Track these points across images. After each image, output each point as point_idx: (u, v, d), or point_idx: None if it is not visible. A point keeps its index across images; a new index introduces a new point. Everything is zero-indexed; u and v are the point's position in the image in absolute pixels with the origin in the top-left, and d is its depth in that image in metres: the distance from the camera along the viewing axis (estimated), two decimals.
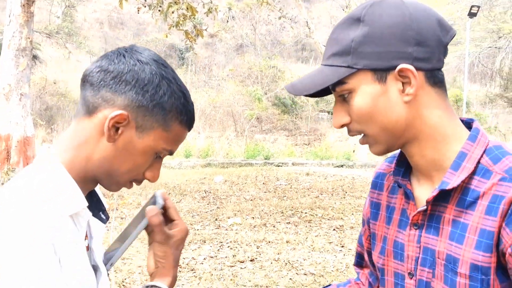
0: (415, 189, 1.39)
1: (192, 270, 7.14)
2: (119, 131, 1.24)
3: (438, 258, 1.30)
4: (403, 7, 1.25)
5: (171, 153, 1.32)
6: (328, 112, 27.50)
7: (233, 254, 7.94)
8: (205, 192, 12.99)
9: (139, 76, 1.23)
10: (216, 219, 10.36)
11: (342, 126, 1.34)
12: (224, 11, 30.60)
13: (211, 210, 11.15)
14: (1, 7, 26.98)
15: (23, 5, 11.56)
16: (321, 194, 12.90)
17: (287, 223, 10.17)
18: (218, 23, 31.84)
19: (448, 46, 1.34)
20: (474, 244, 1.23)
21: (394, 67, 1.24)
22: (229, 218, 10.44)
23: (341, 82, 1.27)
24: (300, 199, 12.28)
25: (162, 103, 1.24)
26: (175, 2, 12.18)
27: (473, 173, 1.26)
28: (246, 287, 6.48)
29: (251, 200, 12.30)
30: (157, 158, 1.31)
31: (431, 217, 1.33)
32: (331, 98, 27.53)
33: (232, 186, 13.87)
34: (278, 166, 18.12)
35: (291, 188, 13.75)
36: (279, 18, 28.21)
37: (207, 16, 12.96)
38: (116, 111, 1.22)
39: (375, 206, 1.54)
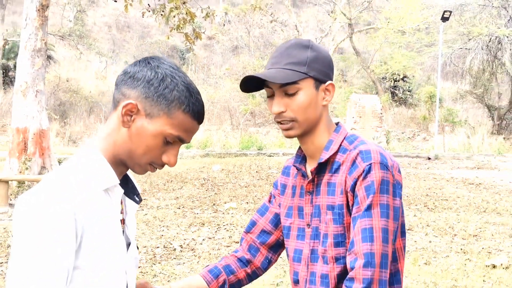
0: (307, 170, 1.84)
1: (192, 250, 7.15)
2: (132, 118, 1.38)
3: (322, 209, 1.76)
4: (326, 49, 1.86)
5: (181, 140, 1.42)
6: None
7: (229, 236, 7.95)
8: (204, 180, 13.00)
9: (147, 74, 1.38)
10: (214, 204, 10.37)
11: (279, 113, 1.72)
12: (221, 16, 30.55)
13: (209, 196, 11.16)
14: (18, 12, 26.84)
15: (38, 10, 11.52)
16: None
17: None
18: (215, 27, 31.76)
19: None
20: (338, 193, 1.71)
21: (325, 82, 1.75)
22: (225, 203, 10.44)
23: (295, 82, 1.69)
24: None
25: (165, 94, 1.37)
26: (176, 8, 12.15)
27: (337, 151, 1.76)
28: None
29: (246, 186, 12.31)
30: (169, 144, 1.41)
31: (317, 185, 1.79)
32: None
33: (228, 174, 13.87)
34: (270, 156, 18.13)
35: None
36: (271, 22, 28.14)
37: (205, 20, 12.94)
38: (127, 100, 1.37)
39: (283, 186, 1.96)
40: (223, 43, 34.21)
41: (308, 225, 1.79)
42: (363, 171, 1.64)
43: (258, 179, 13.24)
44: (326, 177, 1.76)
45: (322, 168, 1.77)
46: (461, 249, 7.34)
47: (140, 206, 9.99)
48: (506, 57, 23.80)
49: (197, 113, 1.43)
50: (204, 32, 13.15)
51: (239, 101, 26.22)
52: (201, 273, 1.94)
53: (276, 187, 2.00)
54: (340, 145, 1.76)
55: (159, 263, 6.52)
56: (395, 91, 29.91)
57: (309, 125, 1.75)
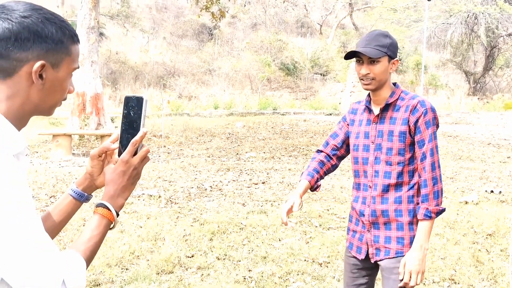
0: (373, 109, 2.36)
1: (220, 190, 7.25)
2: (43, 76, 1.12)
3: (384, 132, 2.29)
4: (395, 37, 2.42)
5: (77, 67, 1.22)
6: (321, 74, 27.17)
7: (249, 178, 8.03)
8: (229, 134, 13.05)
9: (31, 28, 1.08)
10: (237, 154, 10.44)
11: (365, 74, 2.23)
12: None
13: (233, 147, 11.23)
14: None
15: None
16: (315, 135, 12.91)
17: (289, 156, 10.23)
18: (237, 6, 31.28)
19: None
20: (400, 123, 2.26)
21: (394, 58, 2.27)
22: (246, 152, 10.50)
23: (379, 57, 2.19)
24: (299, 139, 12.31)
25: (59, 38, 1.12)
26: None
27: (397, 99, 2.30)
28: (259, 202, 6.58)
29: (263, 139, 12.34)
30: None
31: (380, 118, 2.32)
32: (323, 63, 27.18)
33: (249, 130, 13.90)
34: (283, 115, 18.08)
35: (292, 131, 13.77)
36: (283, 2, 27.63)
37: (229, 1, 12.75)
38: (36, 63, 1.09)
39: (351, 120, 2.48)
40: (244, 21, 33.69)
41: (373, 142, 2.33)
42: (422, 113, 2.22)
43: (273, 134, 13.25)
44: (389, 113, 2.30)
45: (386, 107, 2.30)
46: None
47: (177, 155, 10.09)
48: (481, 30, 23.18)
49: (77, 37, 1.20)
50: (227, 11, 12.96)
51: (258, 69, 25.99)
52: (303, 177, 2.46)
53: (345, 120, 2.53)
54: (399, 95, 2.31)
55: (193, 200, 6.63)
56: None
57: (380, 84, 2.27)
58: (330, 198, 6.83)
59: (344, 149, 2.53)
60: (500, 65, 26.03)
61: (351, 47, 32.41)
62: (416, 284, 2.22)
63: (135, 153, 1.27)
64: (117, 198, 1.26)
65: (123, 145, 1.28)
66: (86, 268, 1.13)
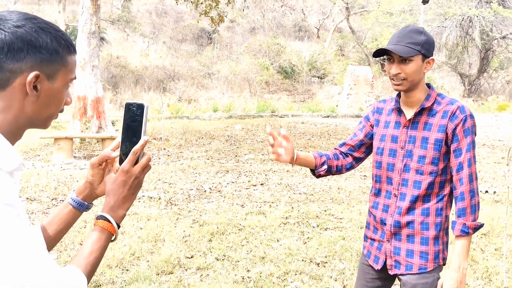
0: (403, 110, 2.15)
1: (219, 191, 7.26)
2: (38, 88, 1.06)
3: (417, 138, 2.08)
4: (431, 34, 2.10)
5: (74, 78, 1.16)
6: (318, 77, 27.19)
7: (248, 180, 8.03)
8: (228, 136, 13.06)
9: (25, 38, 1.03)
10: (236, 156, 10.44)
11: (396, 74, 2.03)
12: (240, 2, 30.01)
13: (232, 149, 11.23)
14: (76, 2, 26.57)
15: (92, 0, 11.46)
16: (312, 137, 12.92)
17: None
18: (236, 11, 31.32)
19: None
20: (436, 130, 2.04)
21: (429, 57, 2.05)
22: (245, 154, 10.51)
23: (411, 55, 1.98)
24: (297, 141, 12.32)
25: (54, 48, 1.07)
26: None
27: (433, 103, 2.09)
28: (258, 203, 6.58)
29: (261, 142, 12.35)
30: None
31: (413, 122, 2.11)
32: (320, 66, 27.20)
33: (247, 132, 13.91)
34: (281, 117, 18.10)
35: (290, 133, 13.78)
36: (281, 6, 27.70)
37: (227, 6, 12.78)
38: (30, 74, 1.03)
39: (376, 121, 2.27)
40: (243, 25, 33.73)
41: (402, 148, 2.12)
42: (462, 120, 2.01)
43: None
44: (424, 118, 2.08)
45: (421, 111, 2.09)
46: None
47: (177, 158, 10.10)
48: (476, 33, 23.25)
49: (74, 47, 1.15)
50: (226, 16, 13.02)
51: (256, 73, 26.01)
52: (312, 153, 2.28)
53: (368, 119, 2.32)
54: (435, 99, 2.09)
55: (192, 201, 6.64)
56: (384, 63, 29.42)
57: (412, 84, 2.06)
58: (327, 199, 6.85)
59: (362, 151, 2.33)
60: (494, 67, 26.13)
61: (348, 50, 32.50)
62: None
63: (136, 162, 1.23)
64: (118, 210, 1.22)
65: (124, 153, 1.24)
66: (88, 283, 1.09)
